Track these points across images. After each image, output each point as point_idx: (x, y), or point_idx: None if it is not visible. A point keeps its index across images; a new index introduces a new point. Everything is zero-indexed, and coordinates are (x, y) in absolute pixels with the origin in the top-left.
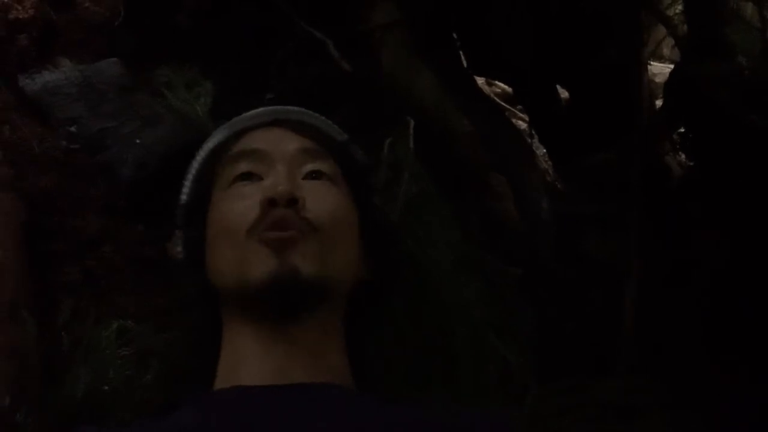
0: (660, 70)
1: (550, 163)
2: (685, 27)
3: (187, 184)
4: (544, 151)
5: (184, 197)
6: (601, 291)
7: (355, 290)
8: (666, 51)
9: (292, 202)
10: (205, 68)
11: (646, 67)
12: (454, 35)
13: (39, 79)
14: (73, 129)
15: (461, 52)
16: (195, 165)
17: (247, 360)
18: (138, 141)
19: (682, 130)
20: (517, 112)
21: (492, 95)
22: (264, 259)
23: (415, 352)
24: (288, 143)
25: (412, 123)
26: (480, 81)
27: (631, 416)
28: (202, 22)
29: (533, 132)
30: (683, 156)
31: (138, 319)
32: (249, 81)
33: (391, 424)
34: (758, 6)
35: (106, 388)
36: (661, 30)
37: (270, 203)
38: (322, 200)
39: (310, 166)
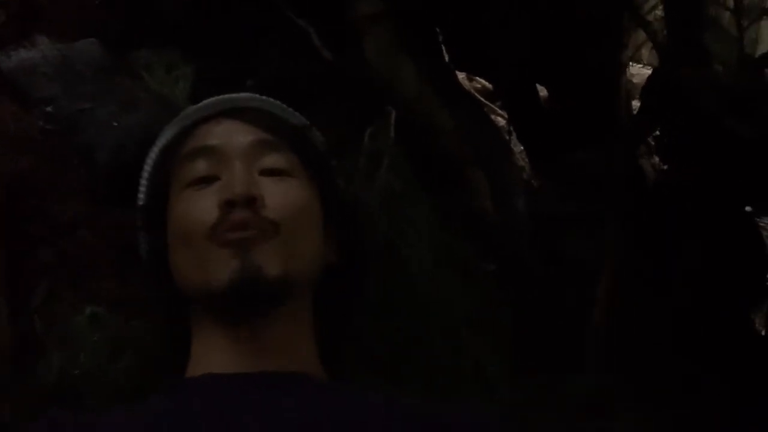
0: (638, 71)
1: (527, 161)
2: (665, 32)
3: (144, 183)
4: (522, 148)
5: (141, 198)
6: (575, 289)
7: (324, 275)
8: (645, 53)
9: (251, 201)
10: (186, 52)
11: (626, 70)
12: (437, 30)
13: (15, 56)
14: (49, 109)
15: (443, 47)
16: (149, 165)
17: (216, 354)
18: (115, 124)
19: (658, 133)
20: (497, 109)
21: (472, 91)
22: (226, 261)
23: (389, 344)
24: (241, 136)
25: (393, 113)
26: (461, 76)
27: (602, 413)
28: (185, 5)
29: (512, 129)
30: (657, 159)
31: (112, 304)
32: (230, 67)
33: (358, 412)
34: (735, 15)
35: (77, 372)
36: (641, 34)
37: (228, 205)
38: (282, 196)
39: (265, 161)
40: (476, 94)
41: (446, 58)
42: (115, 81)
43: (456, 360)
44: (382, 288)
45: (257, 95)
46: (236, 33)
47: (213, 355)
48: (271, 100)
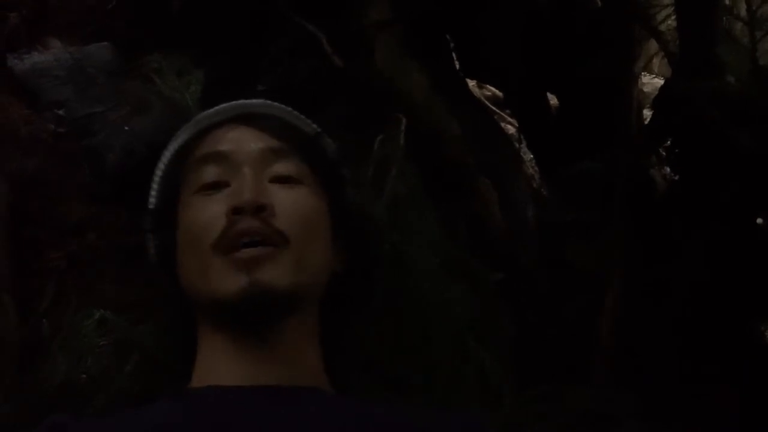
0: (649, 81)
1: (536, 169)
2: (677, 43)
3: (155, 187)
4: (531, 156)
5: (152, 201)
6: (581, 300)
7: (331, 283)
8: (657, 64)
9: (260, 209)
10: (196, 57)
11: (638, 80)
12: (448, 37)
13: (28, 59)
14: (60, 112)
15: (454, 54)
16: (160, 168)
17: (222, 363)
18: (126, 128)
19: (669, 143)
20: (507, 117)
21: (482, 98)
22: (234, 275)
23: (394, 352)
24: (252, 143)
25: (404, 120)
26: (471, 84)
27: (607, 424)
28: (196, 10)
29: (521, 137)
30: (668, 169)
31: (119, 308)
32: (240, 72)
33: (365, 425)
34: (748, 25)
35: (84, 376)
36: (653, 44)
37: (236, 212)
38: (291, 205)
39: (276, 169)
40: (486, 102)
41: (456, 66)
42: (126, 85)
43: (460, 369)
44: (388, 295)
45: (270, 102)
46: (247, 38)
47: (218, 364)
48: (284, 107)
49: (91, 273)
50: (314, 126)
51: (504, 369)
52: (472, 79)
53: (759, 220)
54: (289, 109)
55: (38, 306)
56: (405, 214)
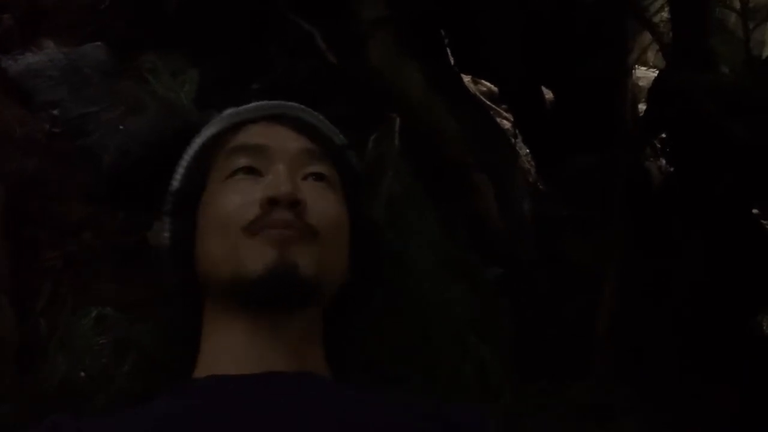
0: (644, 74)
1: (532, 163)
2: (671, 35)
3: (180, 170)
4: (528, 151)
5: (176, 184)
6: (579, 294)
7: (341, 287)
8: (651, 56)
9: (294, 204)
10: (191, 56)
11: (632, 73)
12: (442, 32)
13: (22, 60)
14: (55, 112)
15: (448, 50)
16: (190, 152)
17: (230, 350)
18: (121, 127)
19: (664, 135)
20: (502, 112)
21: (478, 94)
22: (263, 251)
23: (394, 349)
24: (290, 142)
25: (398, 119)
26: (466, 79)
27: (605, 419)
28: (191, 10)
29: (517, 132)
30: (663, 161)
31: (117, 307)
32: (236, 71)
33: (365, 412)
34: (742, 17)
35: (82, 374)
36: (647, 36)
37: (271, 203)
38: (323, 204)
39: (311, 168)
40: (481, 97)
41: (451, 61)
42: (121, 85)
43: (460, 365)
44: (388, 295)
45: (305, 107)
46: (241, 37)
47: (224, 352)
48: (319, 116)
49: (88, 273)
50: (343, 138)
51: (504, 368)
52: (467, 74)
53: (754, 211)
54: (323, 118)
55: (35, 306)
56: (405, 214)
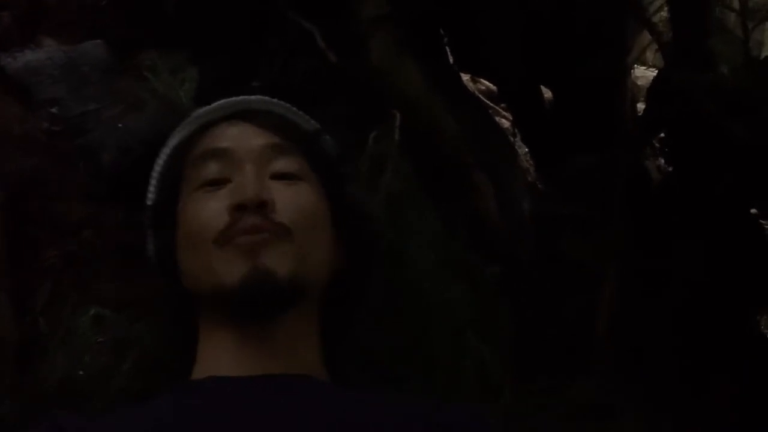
0: (642, 73)
1: (531, 162)
2: (670, 34)
3: (153, 183)
4: (527, 150)
5: (151, 197)
6: (579, 293)
7: (331, 280)
8: (650, 55)
9: (261, 206)
10: (191, 54)
11: (631, 72)
12: (441, 31)
13: (21, 58)
14: (54, 110)
15: (448, 49)
16: (159, 164)
17: (224, 355)
18: (120, 125)
19: (663, 135)
20: (501, 111)
21: (477, 93)
22: (236, 263)
23: (393, 347)
24: (253, 139)
25: (398, 116)
26: (465, 78)
27: (606, 417)
28: (191, 8)
29: (516, 131)
30: (663, 161)
31: (117, 306)
32: (236, 69)
33: (363, 413)
34: (741, 16)
35: (81, 373)
36: (646, 36)
37: (239, 209)
38: (293, 201)
39: (276, 166)
40: (481, 96)
41: (450, 60)
42: (120, 83)
43: (459, 364)
44: (387, 294)
45: (269, 98)
46: (241, 35)
47: (219, 357)
48: (283, 103)
49: (88, 272)
50: (313, 122)
51: (504, 368)
52: (466, 73)
53: (753, 211)
54: (288, 105)
55: (35, 305)
56: (405, 213)
